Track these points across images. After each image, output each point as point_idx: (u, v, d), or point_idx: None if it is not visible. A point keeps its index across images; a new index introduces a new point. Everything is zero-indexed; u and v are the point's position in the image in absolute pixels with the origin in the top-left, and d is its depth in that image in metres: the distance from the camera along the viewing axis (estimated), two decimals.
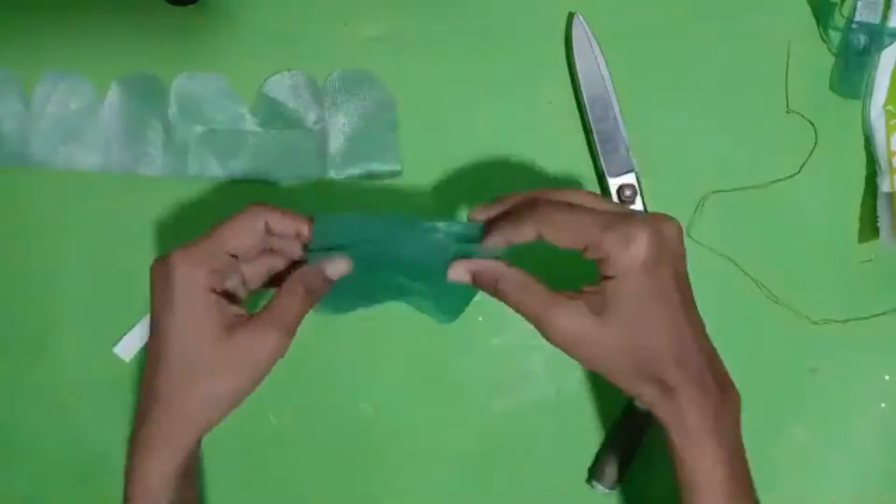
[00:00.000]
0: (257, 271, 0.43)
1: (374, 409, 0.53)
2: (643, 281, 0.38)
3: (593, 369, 0.40)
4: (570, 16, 0.51)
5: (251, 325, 0.39)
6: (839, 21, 0.51)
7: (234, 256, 0.40)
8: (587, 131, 0.52)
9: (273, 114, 0.52)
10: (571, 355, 0.39)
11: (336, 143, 0.52)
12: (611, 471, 0.51)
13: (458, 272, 0.40)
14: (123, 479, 0.41)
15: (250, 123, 0.52)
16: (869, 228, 0.52)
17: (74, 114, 0.52)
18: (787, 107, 0.53)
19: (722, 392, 0.40)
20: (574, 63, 0.51)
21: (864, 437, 0.53)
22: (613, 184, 0.51)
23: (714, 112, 0.53)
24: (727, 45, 0.53)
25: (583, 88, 0.51)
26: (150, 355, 0.41)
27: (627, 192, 0.50)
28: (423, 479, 0.53)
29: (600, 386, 0.52)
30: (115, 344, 0.52)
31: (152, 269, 0.41)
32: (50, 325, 0.52)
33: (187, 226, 0.53)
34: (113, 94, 0.52)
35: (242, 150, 0.52)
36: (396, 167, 0.52)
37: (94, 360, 0.52)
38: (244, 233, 0.40)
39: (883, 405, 0.53)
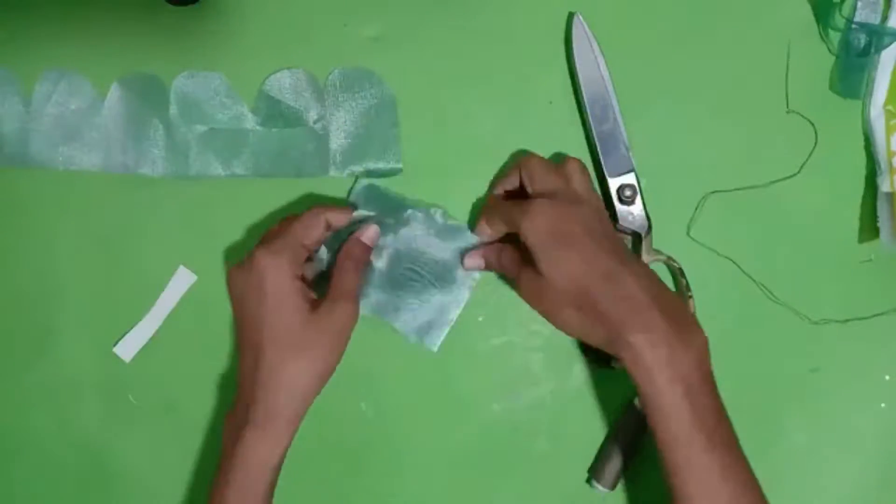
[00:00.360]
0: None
1: (374, 410, 0.53)
2: (548, 240, 0.45)
3: (547, 318, 0.46)
4: (570, 16, 0.51)
5: (328, 301, 0.46)
6: (839, 21, 0.51)
7: (304, 248, 0.47)
8: (587, 131, 0.52)
9: (274, 112, 0.52)
10: (529, 303, 0.47)
11: (337, 141, 0.52)
12: (611, 471, 0.51)
13: (475, 260, 0.50)
14: (220, 465, 0.46)
15: (251, 122, 0.52)
16: (869, 228, 0.52)
17: (74, 114, 0.52)
18: (787, 107, 0.53)
19: (679, 331, 0.42)
20: (574, 63, 0.51)
21: (864, 437, 0.53)
22: (613, 184, 0.51)
23: (714, 112, 0.53)
24: (727, 45, 0.53)
25: (583, 88, 0.51)
26: (248, 346, 0.46)
27: (627, 192, 0.50)
28: (423, 478, 0.53)
29: (600, 386, 0.52)
30: (115, 344, 0.52)
31: (233, 274, 0.47)
32: (50, 325, 0.53)
33: (188, 225, 0.53)
34: (113, 94, 0.52)
35: (243, 149, 0.52)
36: (397, 165, 0.52)
37: (94, 360, 0.52)
38: (312, 227, 0.47)
39: (883, 405, 0.53)
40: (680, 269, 0.51)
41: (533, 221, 0.45)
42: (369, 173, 0.52)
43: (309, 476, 0.52)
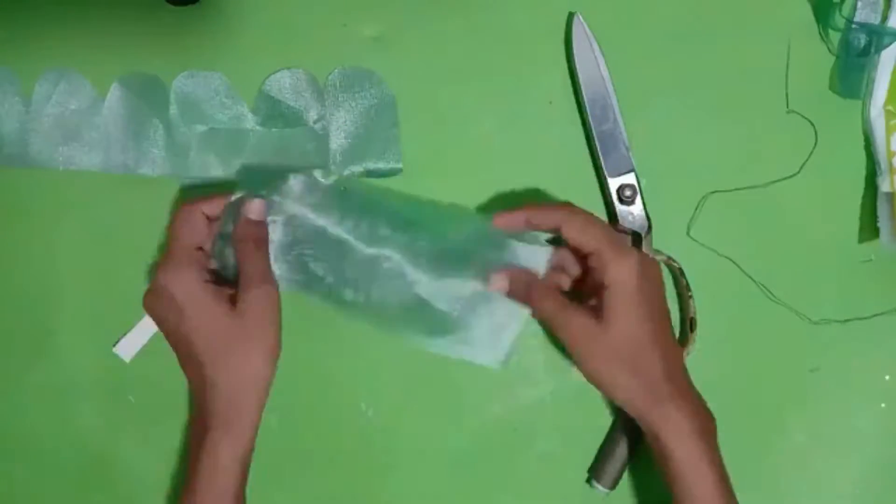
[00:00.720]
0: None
1: (374, 410, 0.53)
2: (634, 292, 0.44)
3: (591, 374, 0.45)
4: (570, 16, 0.51)
5: (242, 292, 0.45)
6: (839, 21, 0.51)
7: (199, 249, 0.47)
8: (587, 131, 0.52)
9: (274, 112, 0.52)
10: (576, 355, 0.45)
11: (337, 141, 0.52)
12: (611, 471, 0.51)
13: (499, 282, 0.47)
14: (187, 473, 0.45)
15: (251, 122, 0.52)
16: (869, 228, 0.52)
17: (74, 114, 0.52)
18: (787, 107, 0.53)
19: (704, 410, 0.46)
20: (574, 63, 0.51)
21: (864, 437, 0.53)
22: (613, 184, 0.51)
23: (714, 112, 0.53)
24: (727, 44, 0.53)
25: (583, 88, 0.51)
26: (186, 361, 0.46)
27: (627, 192, 0.50)
28: (423, 478, 0.53)
29: None
30: (115, 344, 0.52)
31: (147, 301, 0.47)
32: (50, 326, 0.53)
33: None
34: (113, 94, 0.52)
35: (243, 149, 0.52)
36: (397, 165, 0.52)
37: (94, 360, 0.52)
38: (191, 225, 0.47)
39: (883, 405, 0.53)
40: (680, 269, 0.51)
41: (630, 267, 0.44)
42: (369, 173, 0.52)
43: (309, 476, 0.52)
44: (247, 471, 0.46)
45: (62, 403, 0.53)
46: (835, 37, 0.52)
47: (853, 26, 0.51)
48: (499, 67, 0.53)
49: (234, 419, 0.45)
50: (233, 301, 0.45)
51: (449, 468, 0.53)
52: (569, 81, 0.52)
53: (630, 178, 0.51)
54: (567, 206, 0.48)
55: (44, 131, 0.52)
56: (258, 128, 0.52)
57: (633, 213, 0.51)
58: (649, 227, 0.51)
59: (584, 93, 0.51)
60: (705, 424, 0.45)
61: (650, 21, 0.53)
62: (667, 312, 0.47)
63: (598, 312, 0.45)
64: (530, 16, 0.53)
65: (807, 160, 0.52)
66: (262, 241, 0.47)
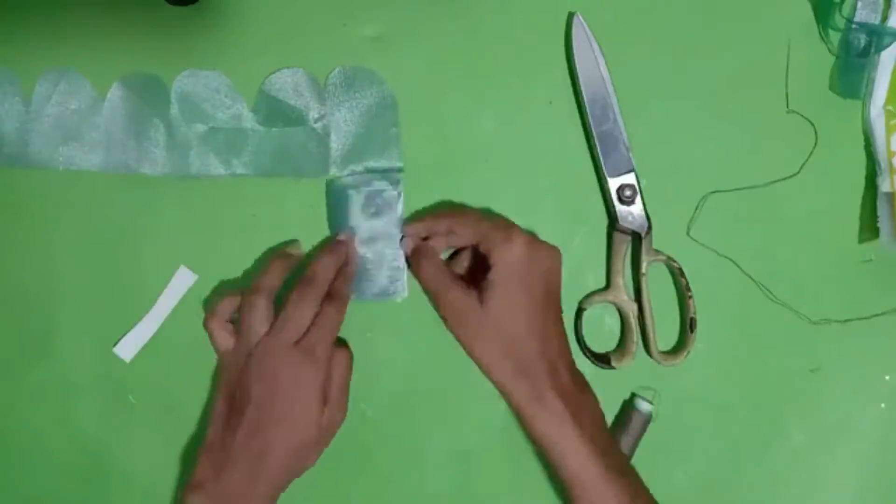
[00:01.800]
0: None
1: (374, 410, 0.53)
2: (518, 274, 0.46)
3: (468, 351, 0.46)
4: (570, 16, 0.51)
5: (329, 408, 0.47)
6: (839, 21, 0.51)
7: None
8: (587, 131, 0.52)
9: (274, 111, 0.52)
10: (454, 329, 0.47)
11: (337, 140, 0.52)
12: None
13: (406, 245, 0.50)
14: None
15: (251, 121, 0.52)
16: (869, 228, 0.52)
17: (75, 114, 0.52)
18: (787, 107, 0.53)
19: (586, 398, 0.47)
20: (574, 63, 0.51)
21: (865, 437, 0.53)
22: (613, 183, 0.51)
23: (714, 112, 0.53)
24: (727, 45, 0.53)
25: (583, 88, 0.51)
26: (240, 418, 0.46)
27: (627, 192, 0.50)
28: (423, 478, 0.53)
29: (599, 386, 0.52)
30: (115, 344, 0.52)
31: (230, 356, 0.48)
32: (50, 326, 0.52)
33: (188, 225, 0.53)
34: (114, 94, 0.52)
35: (244, 148, 0.52)
36: (398, 164, 0.52)
37: (94, 360, 0.52)
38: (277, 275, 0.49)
39: (883, 405, 0.53)
40: (680, 269, 0.51)
41: (512, 249, 0.46)
42: (370, 172, 0.52)
43: (308, 476, 0.52)
44: None
45: (62, 403, 0.53)
46: (835, 37, 0.52)
47: (853, 26, 0.51)
48: (499, 67, 0.53)
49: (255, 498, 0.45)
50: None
51: (449, 468, 0.53)
52: (569, 81, 0.52)
53: (630, 178, 0.51)
54: (452, 209, 0.51)
55: (44, 131, 0.52)
56: (259, 127, 0.52)
57: (632, 213, 0.51)
58: (649, 227, 0.51)
59: (583, 93, 0.51)
60: (586, 410, 0.46)
61: (650, 21, 0.53)
62: (556, 300, 0.48)
63: (480, 292, 0.46)
64: (530, 16, 0.53)
65: (807, 160, 0.52)
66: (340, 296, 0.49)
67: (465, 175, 0.52)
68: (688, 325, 0.51)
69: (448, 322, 0.47)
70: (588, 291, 0.52)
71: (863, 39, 0.51)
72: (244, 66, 0.52)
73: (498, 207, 0.52)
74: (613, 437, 0.48)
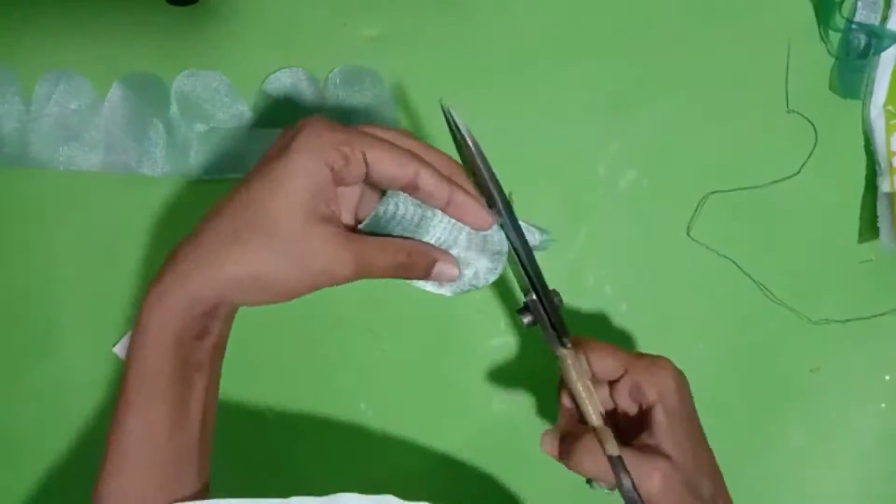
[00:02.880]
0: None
1: (374, 410, 0.53)
2: (679, 402, 0.40)
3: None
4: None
5: (339, 231, 0.36)
6: (839, 21, 0.51)
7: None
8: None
9: (274, 111, 0.52)
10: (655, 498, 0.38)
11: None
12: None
13: (550, 447, 0.43)
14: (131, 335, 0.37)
15: (252, 121, 0.52)
16: (869, 228, 0.52)
17: (75, 114, 0.52)
18: (787, 107, 0.53)
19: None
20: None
21: (865, 437, 0.53)
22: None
23: (714, 112, 0.53)
24: (727, 45, 0.53)
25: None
26: (235, 193, 0.36)
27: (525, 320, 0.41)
28: (423, 478, 0.53)
29: None
30: (115, 344, 0.52)
31: (300, 127, 0.36)
32: (50, 325, 0.52)
33: (188, 225, 0.53)
34: (114, 94, 0.52)
35: (244, 149, 0.52)
36: None
37: (94, 360, 0.52)
38: (391, 169, 0.36)
39: (883, 405, 0.53)
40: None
41: (669, 379, 0.40)
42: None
43: (308, 476, 0.52)
44: (200, 343, 0.37)
45: (62, 403, 0.53)
46: (835, 37, 0.52)
47: (853, 27, 0.51)
48: (498, 67, 0.53)
49: (188, 282, 0.35)
50: (324, 220, 0.35)
51: (449, 468, 0.53)
52: (568, 81, 0.52)
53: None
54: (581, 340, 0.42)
55: (44, 131, 0.52)
56: (259, 127, 0.52)
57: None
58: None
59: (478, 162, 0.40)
60: None
61: (650, 20, 0.53)
62: (702, 430, 0.43)
63: (648, 440, 0.39)
64: (530, 16, 0.53)
65: (807, 160, 0.52)
66: (407, 274, 0.39)
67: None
68: None
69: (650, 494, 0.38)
70: (589, 288, 0.52)
71: (863, 40, 0.51)
72: (244, 66, 0.52)
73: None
74: None
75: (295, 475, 0.52)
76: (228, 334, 0.40)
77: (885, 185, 0.51)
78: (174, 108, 0.52)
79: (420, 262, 0.39)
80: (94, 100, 0.52)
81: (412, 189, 0.37)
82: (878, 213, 0.51)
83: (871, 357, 0.53)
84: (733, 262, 0.52)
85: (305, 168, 0.35)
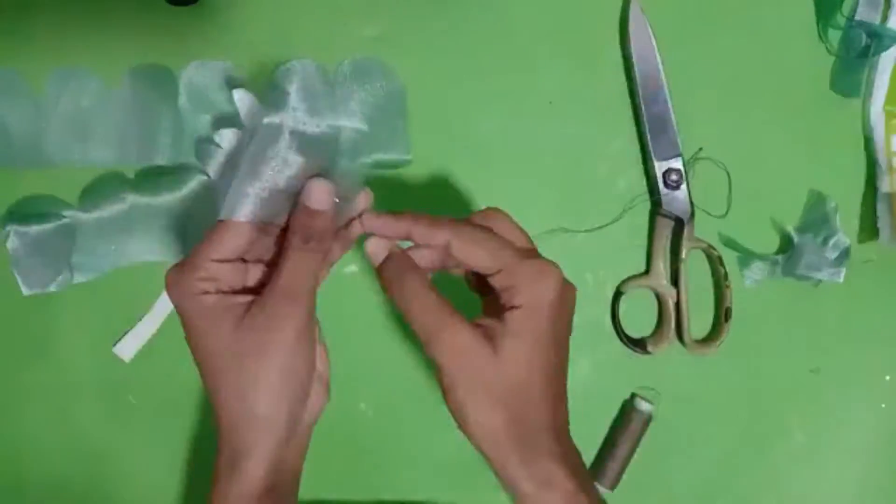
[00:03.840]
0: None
1: (374, 410, 0.53)
2: (546, 326, 0.37)
3: (456, 405, 0.37)
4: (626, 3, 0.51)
5: (267, 297, 0.37)
6: (839, 20, 0.51)
7: (230, 260, 0.39)
8: (636, 114, 0.51)
9: (283, 103, 0.52)
10: (447, 377, 0.37)
11: (345, 132, 0.52)
12: (611, 471, 0.51)
13: (376, 247, 0.39)
14: None
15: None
16: (869, 228, 0.52)
17: (86, 110, 0.52)
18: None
19: (577, 453, 0.39)
20: (629, 43, 0.50)
21: (865, 437, 0.53)
22: (660, 167, 0.50)
23: (714, 112, 0.52)
24: (726, 44, 0.53)
25: (636, 69, 0.50)
26: (200, 370, 0.39)
27: (674, 177, 0.50)
28: (423, 478, 0.53)
29: (600, 386, 0.52)
30: (115, 344, 0.52)
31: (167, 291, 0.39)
32: (50, 326, 0.52)
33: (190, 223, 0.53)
34: (124, 87, 0.52)
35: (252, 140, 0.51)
36: (407, 156, 0.52)
37: (94, 360, 0.52)
38: (223, 245, 0.38)
39: (883, 405, 0.53)
40: (719, 258, 0.51)
41: (548, 291, 0.37)
42: (378, 165, 0.52)
43: (308, 476, 0.52)
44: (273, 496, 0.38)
45: (62, 403, 0.53)
46: (835, 37, 0.52)
47: (853, 25, 0.51)
48: (499, 68, 0.52)
49: (242, 454, 0.37)
50: (244, 315, 0.37)
51: (449, 468, 0.53)
52: (568, 82, 0.52)
53: (677, 163, 0.50)
54: (453, 221, 0.39)
55: (57, 131, 0.52)
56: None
57: (677, 198, 0.50)
58: (692, 213, 0.50)
59: (636, 73, 0.50)
60: (586, 476, 0.39)
61: (650, 21, 0.52)
62: (568, 347, 0.40)
63: (492, 336, 0.37)
64: (530, 16, 0.52)
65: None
66: (320, 243, 0.39)
67: (466, 175, 0.52)
68: (723, 315, 0.51)
69: (443, 366, 0.37)
70: (589, 288, 0.52)
71: (863, 39, 0.51)
72: (245, 65, 0.52)
73: (498, 205, 0.52)
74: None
75: None
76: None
77: (885, 185, 0.51)
78: (183, 99, 0.51)
79: (304, 220, 0.39)
80: (104, 95, 0.52)
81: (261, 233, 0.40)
82: (878, 213, 0.51)
83: (871, 357, 0.53)
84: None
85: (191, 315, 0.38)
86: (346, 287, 0.52)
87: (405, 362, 0.52)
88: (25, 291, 0.51)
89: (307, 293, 0.38)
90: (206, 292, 0.38)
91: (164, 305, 0.52)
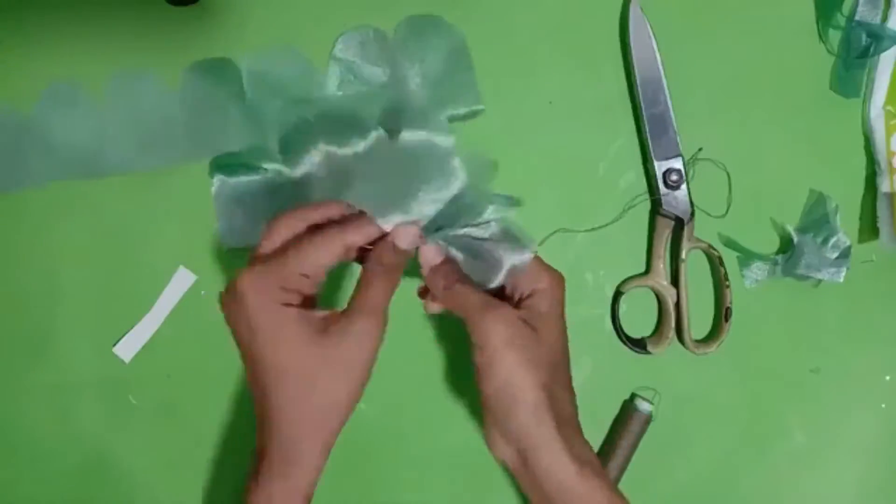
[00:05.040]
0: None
1: (374, 410, 0.53)
2: (558, 306, 0.42)
3: (506, 388, 0.39)
4: (627, 3, 0.51)
5: (341, 322, 0.39)
6: (839, 19, 0.51)
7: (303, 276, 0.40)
8: (637, 114, 0.51)
9: (348, 75, 0.51)
10: (495, 360, 0.39)
11: (414, 92, 0.51)
12: (611, 471, 0.51)
13: (435, 254, 0.43)
14: None
15: (329, 88, 0.51)
16: (869, 228, 0.52)
17: (148, 113, 0.51)
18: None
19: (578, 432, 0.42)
20: (629, 44, 0.50)
21: (865, 437, 0.53)
22: (660, 167, 0.50)
23: (714, 112, 0.52)
24: (726, 45, 0.53)
25: (636, 69, 0.50)
26: (253, 384, 0.40)
27: (674, 177, 0.50)
28: (423, 479, 0.53)
29: (599, 386, 0.52)
30: (115, 344, 0.52)
31: (223, 302, 0.40)
32: (50, 326, 0.52)
33: (188, 225, 0.52)
34: (185, 85, 0.51)
35: (323, 116, 0.51)
36: (478, 107, 0.51)
37: (94, 360, 0.52)
38: (318, 257, 0.40)
39: (883, 405, 0.53)
40: (720, 258, 0.51)
41: (552, 276, 0.42)
42: (452, 119, 0.51)
43: None
44: None
45: (62, 403, 0.52)
46: (835, 37, 0.52)
47: (853, 25, 0.51)
48: (499, 68, 0.52)
49: (293, 463, 0.39)
50: (325, 325, 0.39)
51: (449, 468, 0.53)
52: (567, 82, 0.52)
53: (677, 163, 0.50)
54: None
55: (120, 137, 0.51)
56: (337, 93, 0.51)
57: (677, 198, 0.50)
58: (692, 213, 0.50)
59: (636, 74, 0.50)
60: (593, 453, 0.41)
61: (649, 21, 0.52)
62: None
63: (525, 319, 0.40)
64: (530, 16, 0.53)
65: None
66: (397, 272, 0.42)
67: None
68: (723, 315, 0.51)
69: (490, 344, 0.39)
70: (589, 288, 0.52)
71: (863, 39, 0.51)
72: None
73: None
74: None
75: None
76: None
77: (885, 185, 0.51)
78: (248, 89, 0.51)
79: (387, 255, 0.42)
80: (165, 94, 0.51)
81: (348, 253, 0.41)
82: (878, 213, 0.51)
83: (871, 357, 0.53)
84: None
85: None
86: (346, 287, 0.52)
87: (405, 362, 0.52)
88: (226, 244, 0.51)
89: (382, 315, 0.40)
90: (289, 304, 0.39)
91: (163, 306, 0.52)
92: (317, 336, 0.39)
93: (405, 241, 0.42)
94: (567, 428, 0.39)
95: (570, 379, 0.42)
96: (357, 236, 0.41)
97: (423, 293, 0.45)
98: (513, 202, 0.44)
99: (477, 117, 0.52)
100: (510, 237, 0.43)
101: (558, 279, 0.42)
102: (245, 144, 0.51)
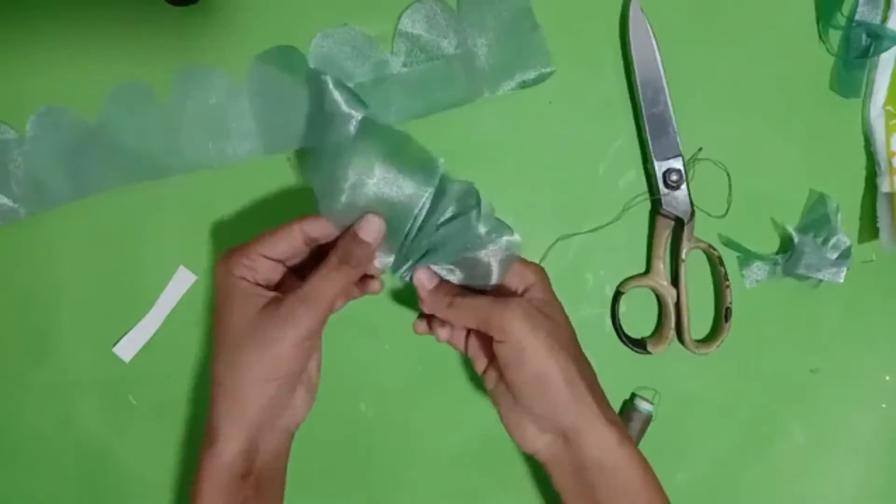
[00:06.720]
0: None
1: (374, 410, 0.53)
2: (550, 289, 0.45)
3: (535, 363, 0.41)
4: (627, 2, 0.51)
5: (283, 305, 0.41)
6: (840, 19, 0.51)
7: (275, 259, 0.43)
8: (637, 114, 0.51)
9: (414, 49, 0.51)
10: (523, 343, 0.41)
11: (483, 61, 0.51)
12: None
13: (431, 276, 0.45)
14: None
15: (395, 66, 0.51)
16: (869, 228, 0.52)
17: (216, 107, 0.51)
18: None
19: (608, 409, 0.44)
20: (629, 44, 0.50)
21: (865, 437, 0.53)
22: (660, 167, 0.50)
23: (714, 112, 0.52)
24: (727, 45, 0.53)
25: (636, 69, 0.50)
26: (213, 343, 0.43)
27: (674, 177, 0.50)
28: (423, 479, 0.53)
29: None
30: (115, 344, 0.52)
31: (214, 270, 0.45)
32: (50, 326, 0.52)
33: (188, 225, 0.52)
34: (253, 76, 0.51)
35: (393, 96, 0.50)
36: (548, 69, 0.51)
37: (94, 360, 0.52)
38: (280, 241, 0.43)
39: (883, 405, 0.53)
40: (719, 258, 0.51)
41: (537, 272, 0.45)
42: (523, 85, 0.51)
43: (308, 476, 0.52)
44: (250, 478, 0.43)
45: (62, 403, 0.53)
46: (835, 37, 0.52)
47: (854, 25, 0.51)
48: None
49: (215, 431, 0.42)
50: (273, 307, 0.41)
51: (449, 468, 0.53)
52: (567, 82, 0.52)
53: (677, 163, 0.50)
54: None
55: (190, 133, 0.51)
56: (403, 69, 0.51)
57: (677, 198, 0.50)
58: (692, 213, 0.50)
59: (636, 74, 0.50)
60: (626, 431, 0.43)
61: (649, 21, 0.52)
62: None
63: (537, 306, 0.43)
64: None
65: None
66: (356, 270, 0.42)
67: (467, 175, 0.52)
68: (723, 315, 0.51)
69: (515, 329, 0.41)
70: (589, 288, 0.52)
71: (863, 39, 0.51)
72: (244, 66, 0.52)
73: (498, 206, 0.52)
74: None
75: (295, 475, 0.52)
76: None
77: (884, 185, 0.51)
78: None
79: (352, 248, 0.42)
80: (232, 87, 0.51)
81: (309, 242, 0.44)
82: (878, 213, 0.51)
83: (871, 357, 0.53)
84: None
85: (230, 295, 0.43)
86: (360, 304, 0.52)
87: (405, 362, 0.53)
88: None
89: (323, 306, 0.41)
90: (244, 278, 0.42)
91: (163, 306, 0.52)
92: (258, 313, 0.41)
93: (368, 233, 0.42)
94: (597, 393, 0.43)
95: (582, 350, 0.45)
96: (315, 232, 0.43)
97: (429, 323, 0.47)
98: (506, 230, 0.44)
99: (546, 80, 0.51)
100: (490, 224, 0.44)
101: (541, 270, 0.45)
102: (312, 134, 0.50)
